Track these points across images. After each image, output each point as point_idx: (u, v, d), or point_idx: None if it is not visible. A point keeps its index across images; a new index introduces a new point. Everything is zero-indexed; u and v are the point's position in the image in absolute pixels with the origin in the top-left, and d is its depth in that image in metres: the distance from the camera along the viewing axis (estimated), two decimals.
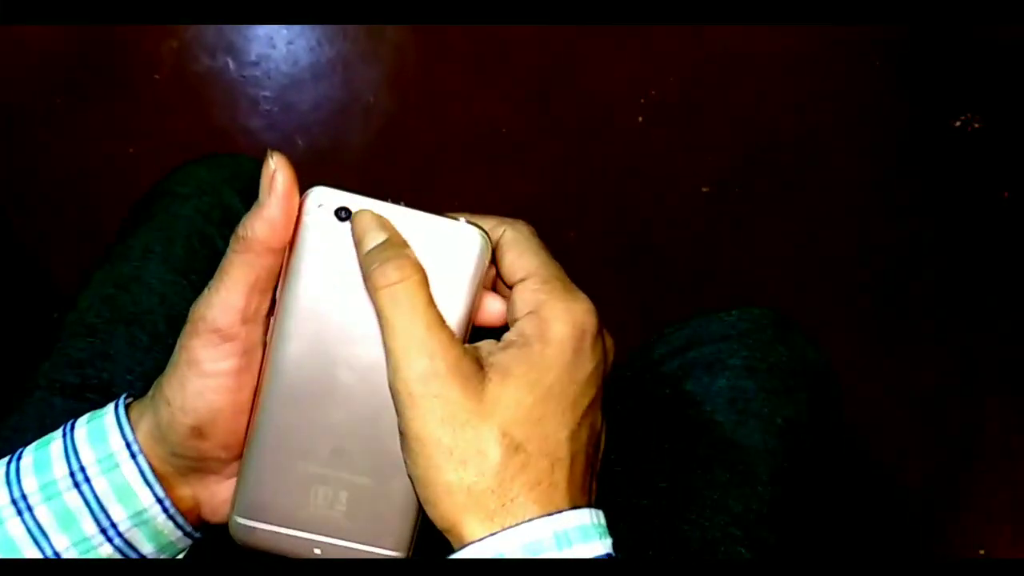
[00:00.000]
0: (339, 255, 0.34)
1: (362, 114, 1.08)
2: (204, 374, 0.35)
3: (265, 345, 0.35)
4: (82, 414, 0.50)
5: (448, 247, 0.34)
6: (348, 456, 0.35)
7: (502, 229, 0.36)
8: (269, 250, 0.34)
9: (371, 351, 0.34)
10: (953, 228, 1.08)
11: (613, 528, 0.33)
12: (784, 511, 0.54)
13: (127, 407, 0.38)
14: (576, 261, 0.39)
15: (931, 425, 1.01)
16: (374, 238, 0.34)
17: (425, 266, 0.34)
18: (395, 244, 0.34)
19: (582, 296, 0.35)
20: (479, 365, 0.33)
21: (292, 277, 0.34)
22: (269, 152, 0.33)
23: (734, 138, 1.09)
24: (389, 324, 0.33)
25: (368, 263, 0.34)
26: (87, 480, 0.36)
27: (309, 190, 0.34)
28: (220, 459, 0.37)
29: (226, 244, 0.57)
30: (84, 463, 0.36)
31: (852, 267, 1.07)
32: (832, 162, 1.09)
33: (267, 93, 1.07)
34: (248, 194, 0.60)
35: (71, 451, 0.36)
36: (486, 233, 0.35)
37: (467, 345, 0.34)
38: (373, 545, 0.36)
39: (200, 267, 0.55)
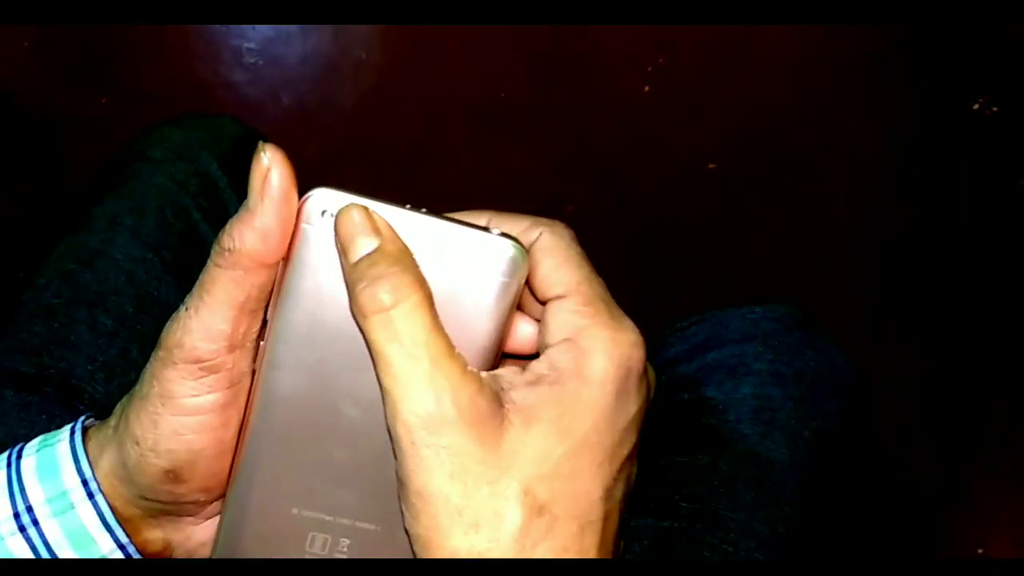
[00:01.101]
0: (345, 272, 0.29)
1: (353, 71, 1.01)
2: (181, 411, 0.29)
3: (254, 373, 0.30)
4: (36, 411, 0.44)
5: (475, 263, 0.29)
6: (351, 501, 0.30)
7: (537, 232, 0.30)
8: (261, 266, 0.28)
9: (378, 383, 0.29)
10: (967, 216, 1.04)
11: (629, 551, 0.28)
12: (809, 529, 0.51)
13: (85, 433, 0.32)
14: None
15: (932, 421, 0.98)
16: (362, 246, 0.28)
17: (446, 287, 0.29)
18: (389, 255, 0.28)
19: (629, 324, 0.29)
20: (498, 402, 0.28)
21: (288, 296, 0.29)
22: (261, 145, 0.27)
23: (746, 114, 1.04)
24: (382, 358, 0.27)
25: (354, 280, 0.27)
26: (35, 523, 0.30)
27: (309, 193, 0.28)
28: (198, 502, 0.31)
29: (204, 217, 0.52)
30: (32, 502, 0.30)
31: (861, 252, 1.03)
32: (845, 143, 1.05)
33: (251, 45, 1.01)
34: (229, 162, 0.54)
35: (16, 486, 0.30)
36: (522, 247, 0.29)
37: (484, 374, 0.28)
38: None
39: (173, 243, 0.49)
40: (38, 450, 0.31)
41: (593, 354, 0.28)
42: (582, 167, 1.03)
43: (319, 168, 0.71)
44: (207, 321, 0.28)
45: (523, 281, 0.30)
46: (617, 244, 1.00)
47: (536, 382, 0.28)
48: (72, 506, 0.30)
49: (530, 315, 0.31)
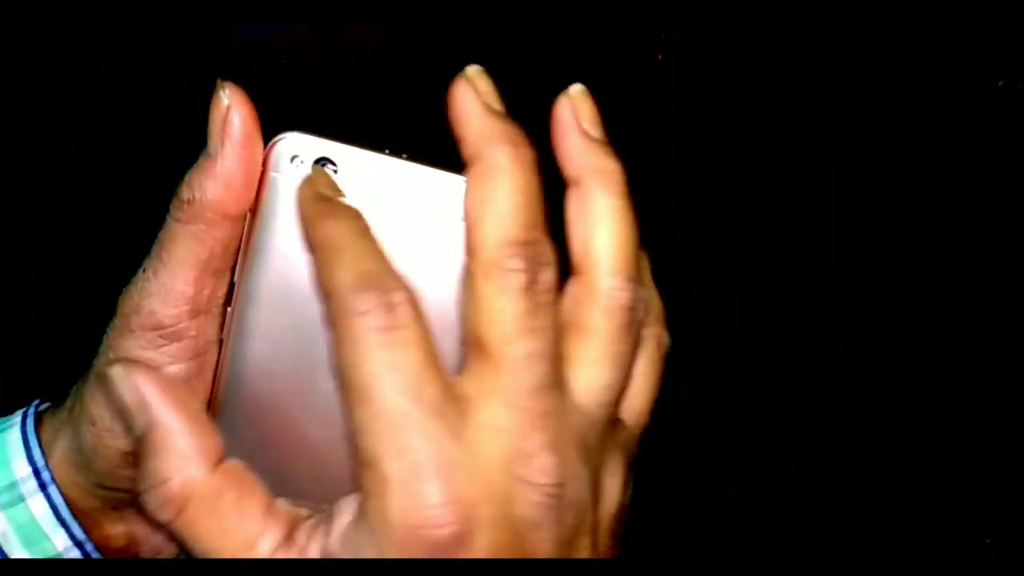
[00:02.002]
0: None
1: None
2: None
3: (221, 343, 0.27)
4: None
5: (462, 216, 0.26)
6: (333, 486, 0.27)
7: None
8: (225, 218, 0.25)
9: None
10: (988, 199, 1.01)
11: None
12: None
13: (39, 419, 0.29)
14: None
15: (937, 411, 0.97)
16: (333, 223, 0.23)
17: (436, 238, 0.26)
18: (362, 235, 0.23)
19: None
20: None
21: (256, 254, 0.26)
22: (220, 83, 0.25)
23: (762, 86, 1.01)
24: (355, 384, 0.22)
25: (325, 272, 0.23)
26: None
27: (277, 138, 0.26)
28: None
29: None
30: None
31: (878, 233, 1.00)
32: (866, 120, 1.02)
33: None
34: None
35: None
36: None
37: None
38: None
39: None
40: None
41: None
42: None
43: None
44: (167, 283, 0.26)
45: None
46: None
47: None
48: (22, 498, 0.27)
49: None
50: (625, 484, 0.25)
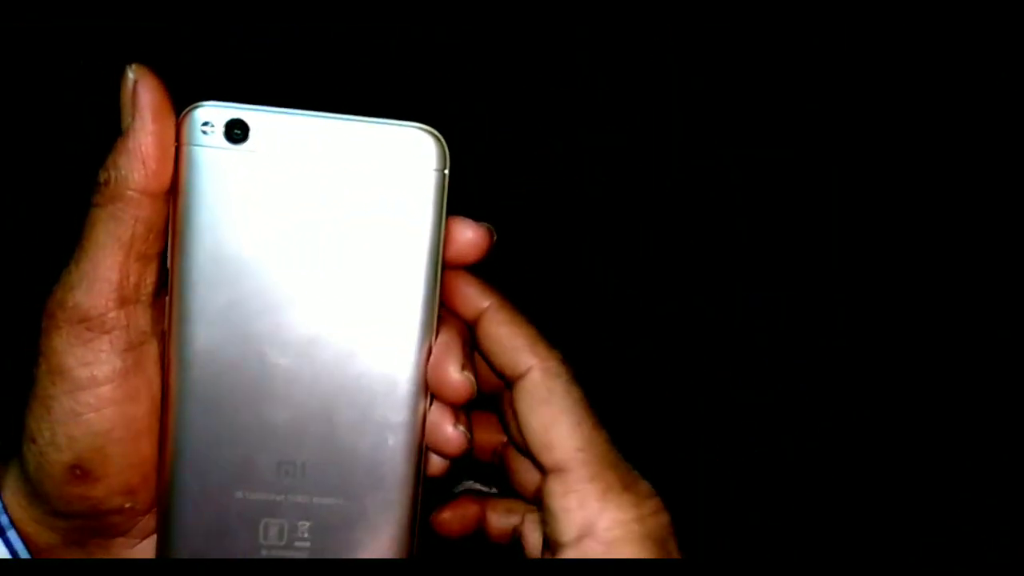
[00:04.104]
0: (244, 193, 0.25)
1: None
2: (75, 384, 0.25)
3: (163, 337, 0.26)
4: None
5: (394, 165, 0.26)
6: (301, 471, 0.26)
7: (527, 366, 0.26)
8: (143, 194, 0.25)
9: (308, 320, 0.26)
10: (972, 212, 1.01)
11: None
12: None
13: None
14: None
15: (937, 411, 0.96)
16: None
17: (373, 191, 0.26)
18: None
19: (645, 488, 0.26)
20: None
21: (184, 234, 0.25)
22: (127, 67, 0.25)
23: (761, 86, 1.00)
24: None
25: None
26: None
27: (187, 109, 0.26)
28: (124, 511, 0.26)
29: None
30: None
31: (878, 233, 1.00)
32: (866, 120, 1.01)
33: None
34: None
35: None
36: (439, 136, 0.26)
37: None
38: None
39: None
40: None
41: (619, 547, 0.25)
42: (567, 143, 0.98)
43: None
44: (89, 271, 0.25)
45: (447, 173, 0.26)
46: (598, 239, 0.96)
47: None
48: None
49: (488, 381, 0.28)
50: None
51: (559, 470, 0.25)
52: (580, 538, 0.25)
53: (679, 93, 0.95)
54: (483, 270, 0.29)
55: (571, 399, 0.26)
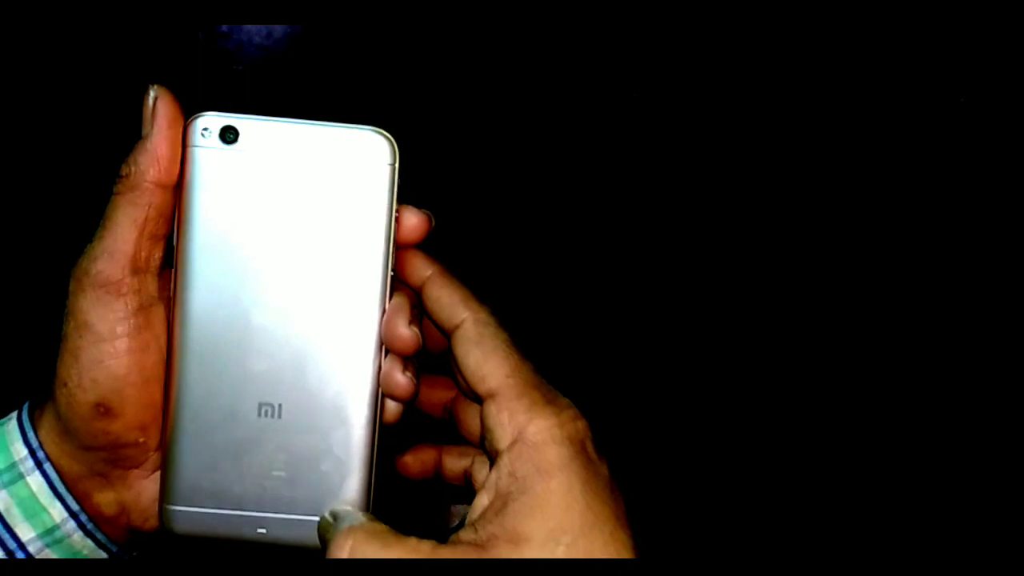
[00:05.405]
0: (235, 185, 0.32)
1: None
2: (98, 337, 0.31)
3: (168, 302, 0.32)
4: None
5: (354, 161, 0.32)
6: (277, 412, 0.32)
7: (461, 317, 0.32)
8: (156, 187, 0.31)
9: (285, 287, 0.32)
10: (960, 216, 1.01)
11: None
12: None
13: (32, 410, 0.33)
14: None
15: (937, 411, 0.97)
16: None
17: (334, 191, 0.32)
18: None
19: (564, 401, 0.30)
20: (478, 544, 0.28)
21: (187, 218, 0.32)
22: (149, 86, 0.31)
23: (760, 93, 1.02)
24: None
25: None
26: None
27: (191, 118, 0.32)
28: (139, 444, 0.32)
29: None
30: None
31: (878, 232, 1.01)
32: (860, 127, 1.02)
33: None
34: None
35: None
36: (390, 137, 0.33)
37: (440, 545, 0.29)
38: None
39: None
40: None
41: (544, 447, 0.29)
42: (549, 182, 0.99)
43: None
44: (110, 245, 0.31)
45: (397, 168, 0.33)
46: (586, 261, 0.97)
47: (505, 504, 0.29)
48: (21, 476, 0.31)
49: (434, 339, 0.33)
50: None
51: (493, 395, 0.30)
52: (512, 444, 0.29)
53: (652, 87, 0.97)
54: (464, 251, 0.34)
55: (499, 340, 0.31)
